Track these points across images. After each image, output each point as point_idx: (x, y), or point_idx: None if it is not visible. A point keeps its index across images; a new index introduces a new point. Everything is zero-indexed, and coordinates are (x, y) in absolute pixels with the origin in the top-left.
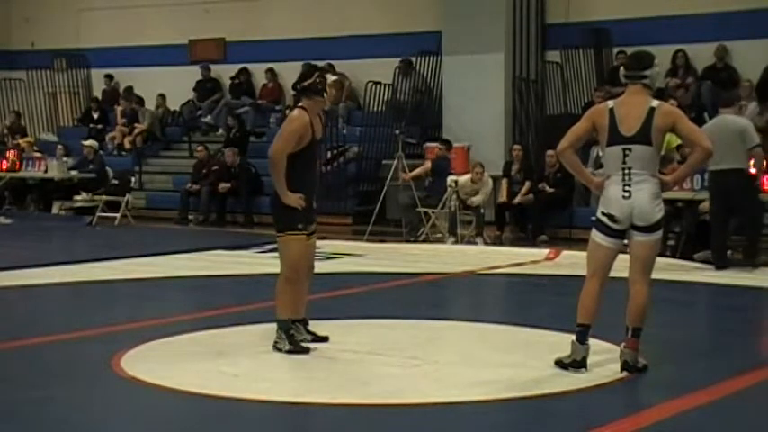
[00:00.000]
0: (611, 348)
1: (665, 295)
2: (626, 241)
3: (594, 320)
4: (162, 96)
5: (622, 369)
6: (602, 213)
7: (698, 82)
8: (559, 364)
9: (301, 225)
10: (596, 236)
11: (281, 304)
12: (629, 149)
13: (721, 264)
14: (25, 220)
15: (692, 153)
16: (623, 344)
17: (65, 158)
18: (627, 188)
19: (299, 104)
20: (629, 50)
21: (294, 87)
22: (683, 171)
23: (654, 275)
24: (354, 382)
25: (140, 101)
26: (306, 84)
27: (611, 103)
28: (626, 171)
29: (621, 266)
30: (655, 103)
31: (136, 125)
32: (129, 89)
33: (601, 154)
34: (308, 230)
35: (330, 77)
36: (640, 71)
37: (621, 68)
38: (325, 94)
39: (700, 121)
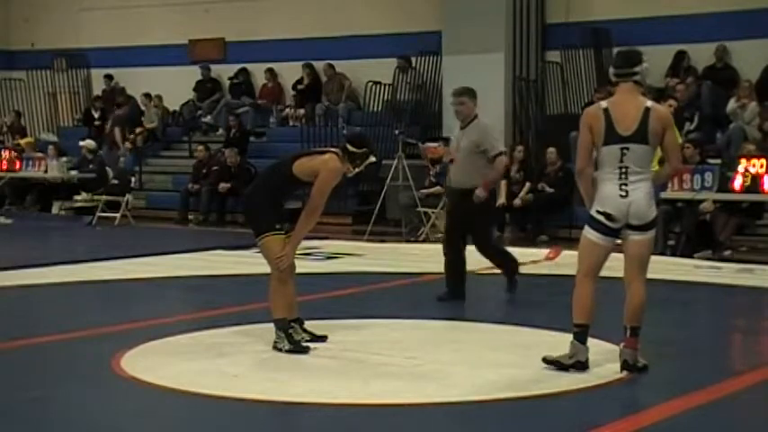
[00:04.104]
0: (610, 348)
1: (665, 295)
2: (619, 241)
3: (593, 320)
4: (157, 98)
5: (622, 369)
6: (598, 212)
7: (698, 82)
8: (556, 364)
9: (279, 225)
10: (591, 234)
11: (275, 304)
12: (627, 148)
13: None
14: (25, 220)
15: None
16: (622, 343)
17: (63, 158)
18: (624, 187)
19: (337, 151)
20: None
21: (344, 148)
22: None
23: (654, 275)
24: (354, 381)
25: (148, 96)
26: (352, 150)
27: (604, 104)
28: (623, 170)
29: (618, 266)
30: (649, 103)
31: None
32: (122, 90)
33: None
34: (284, 230)
35: (372, 158)
36: (630, 68)
37: (611, 68)
38: (356, 168)
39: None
